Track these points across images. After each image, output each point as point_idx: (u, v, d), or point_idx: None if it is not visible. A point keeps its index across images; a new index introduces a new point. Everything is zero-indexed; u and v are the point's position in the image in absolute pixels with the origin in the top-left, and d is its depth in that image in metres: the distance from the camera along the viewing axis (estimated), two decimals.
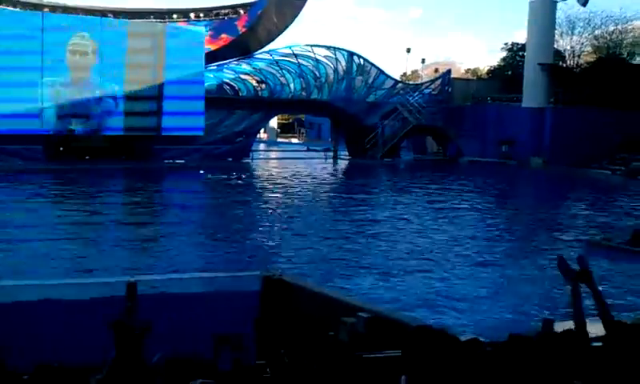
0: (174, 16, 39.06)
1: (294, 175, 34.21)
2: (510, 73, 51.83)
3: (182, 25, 38.82)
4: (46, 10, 35.43)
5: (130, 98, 36.22)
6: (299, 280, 6.62)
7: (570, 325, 3.88)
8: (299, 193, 26.60)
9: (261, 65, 41.31)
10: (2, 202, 20.85)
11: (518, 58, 51.73)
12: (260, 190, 28.85)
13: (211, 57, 38.65)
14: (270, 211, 21.62)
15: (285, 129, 78.14)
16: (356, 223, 18.40)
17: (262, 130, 57.30)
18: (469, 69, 78.08)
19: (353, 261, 13.47)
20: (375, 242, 15.60)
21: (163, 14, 38.87)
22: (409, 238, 16.28)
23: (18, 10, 34.86)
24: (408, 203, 23.38)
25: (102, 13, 37.35)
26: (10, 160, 32.85)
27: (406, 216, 19.79)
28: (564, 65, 49.04)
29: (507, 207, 24.94)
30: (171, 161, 37.15)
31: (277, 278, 6.48)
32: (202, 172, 32.52)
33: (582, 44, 50.84)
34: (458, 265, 13.43)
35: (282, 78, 41.68)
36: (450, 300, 10.84)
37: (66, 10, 36.27)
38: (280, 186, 29.60)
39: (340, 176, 38.08)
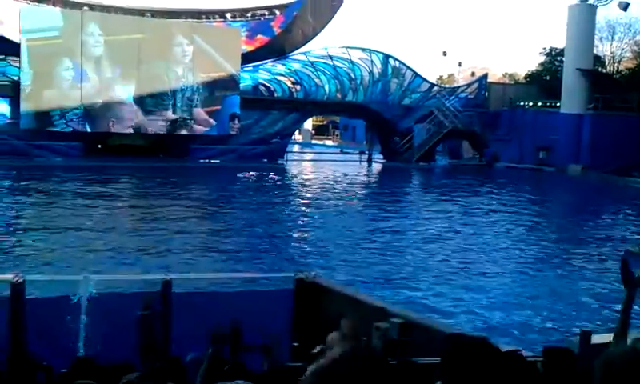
0: (211, 16, 39.32)
1: (328, 177, 34.15)
2: (548, 78, 51.14)
3: (218, 25, 39.10)
4: (85, 8, 35.99)
5: (167, 96, 36.73)
6: (333, 283, 6.59)
7: (608, 337, 3.80)
8: (333, 196, 26.51)
9: (296, 66, 41.44)
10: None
11: (556, 63, 51.01)
12: (294, 192, 28.86)
13: (247, 57, 38.92)
14: (304, 214, 21.63)
15: (319, 130, 78.17)
16: (391, 229, 18.26)
17: (297, 132, 57.39)
18: (506, 73, 77.16)
19: (387, 267, 13.31)
20: (410, 251, 15.33)
21: (200, 14, 39.17)
22: (448, 248, 15.87)
23: (58, 8, 35.46)
24: (446, 211, 22.87)
25: (141, 12, 37.77)
26: (50, 156, 33.62)
27: (444, 225, 19.39)
28: (604, 70, 48.25)
29: (550, 217, 24.21)
30: (207, 160, 37.52)
31: (310, 281, 6.46)
32: (240, 175, 32.64)
33: (623, 49, 50.10)
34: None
35: (316, 80, 41.76)
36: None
37: (104, 8, 36.79)
38: (314, 188, 29.60)
39: (374, 179, 37.87)
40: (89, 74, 34.99)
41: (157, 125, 36.63)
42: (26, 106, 33.68)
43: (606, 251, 16.40)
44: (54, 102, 34.33)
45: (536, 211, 24.83)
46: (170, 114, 36.90)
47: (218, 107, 37.84)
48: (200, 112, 37.58)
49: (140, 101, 36.05)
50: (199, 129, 37.66)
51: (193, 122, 37.46)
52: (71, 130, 34.81)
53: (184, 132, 37.40)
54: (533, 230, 19.94)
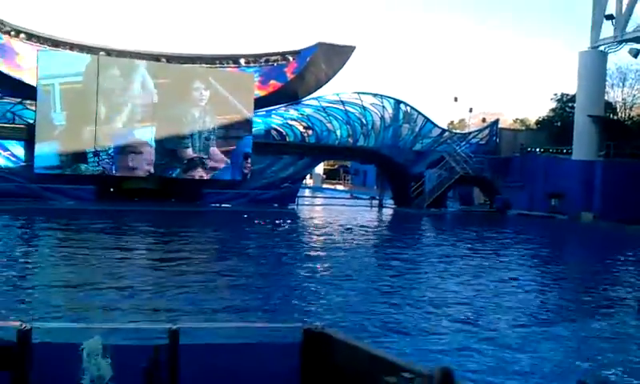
0: (225, 62, 39.85)
1: (339, 223, 34.02)
2: (559, 124, 51.22)
3: (232, 70, 39.61)
4: (101, 53, 36.63)
5: (180, 140, 37.12)
6: (341, 334, 6.47)
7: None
8: (343, 242, 26.37)
9: (308, 111, 41.81)
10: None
11: (567, 109, 51.19)
12: (304, 238, 28.74)
13: (260, 102, 39.31)
14: (314, 260, 21.49)
15: (330, 175, 78.49)
16: (403, 276, 18.07)
17: (308, 176, 57.60)
18: (517, 119, 77.46)
19: (401, 317, 13.05)
20: (424, 300, 14.95)
21: (214, 60, 39.71)
22: (464, 298, 15.48)
23: (74, 52, 36.12)
24: (458, 259, 22.48)
25: (155, 57, 38.36)
26: (62, 199, 33.90)
27: (456, 274, 19.00)
28: (615, 117, 48.26)
29: (569, 272, 23.38)
30: (218, 205, 37.65)
31: (318, 331, 6.35)
32: (256, 221, 32.66)
33: (634, 96, 50.14)
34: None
35: (328, 124, 42.05)
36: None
37: (121, 53, 37.42)
38: (324, 234, 29.49)
39: (385, 225, 37.68)
40: (112, 117, 35.55)
41: (174, 166, 37.00)
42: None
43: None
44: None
45: (559, 265, 24.14)
46: (189, 152, 37.39)
47: (233, 147, 38.28)
48: (216, 151, 38.09)
49: (159, 143, 36.57)
50: (215, 166, 37.93)
51: (209, 160, 37.77)
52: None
53: (200, 170, 37.63)
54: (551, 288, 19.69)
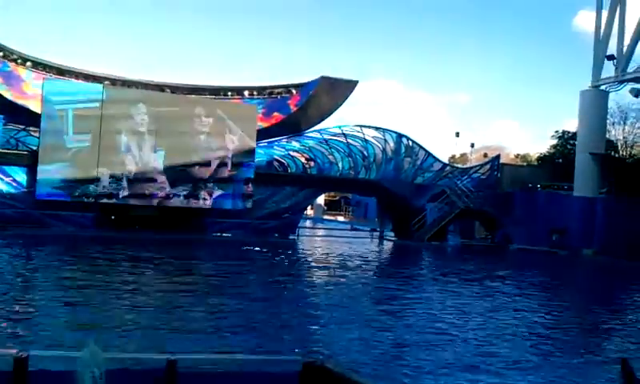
0: (229, 93, 40.14)
1: (340, 254, 33.98)
2: (560, 160, 51.40)
3: (235, 102, 39.87)
4: (106, 82, 36.93)
5: (183, 170, 37.24)
6: (342, 368, 6.42)
7: None
8: (343, 273, 26.29)
9: (310, 143, 42.01)
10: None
11: (569, 146, 51.40)
12: (304, 269, 28.68)
13: (263, 134, 39.51)
14: (313, 292, 21.41)
15: (331, 206, 78.61)
16: (405, 309, 17.95)
17: (309, 207, 57.63)
18: (518, 154, 77.89)
19: (403, 351, 12.91)
20: (427, 334, 14.74)
21: (218, 91, 39.98)
22: (471, 333, 15.24)
23: (80, 81, 36.44)
24: (461, 294, 22.20)
25: (160, 87, 38.66)
26: (62, 226, 33.91)
27: (459, 308, 18.75)
28: (616, 155, 48.42)
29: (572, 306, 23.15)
30: (219, 234, 37.64)
31: (318, 365, 6.31)
32: (255, 248, 32.69)
33: (635, 134, 50.29)
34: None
35: (330, 157, 42.21)
36: None
37: (125, 83, 37.73)
38: (325, 264, 29.44)
39: (386, 257, 37.66)
40: (106, 145, 35.72)
41: (177, 194, 37.26)
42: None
43: None
44: (70, 169, 34.97)
45: (564, 301, 24.02)
46: (193, 180, 37.57)
47: (235, 175, 38.39)
48: (218, 180, 38.14)
49: (167, 171, 36.89)
50: (217, 195, 38.02)
51: (211, 190, 37.86)
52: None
53: (203, 199, 37.64)
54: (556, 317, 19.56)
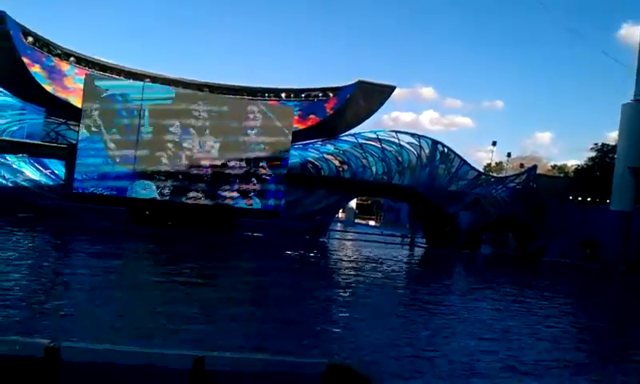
0: (266, 94, 40.39)
1: (371, 259, 33.82)
2: (598, 173, 50.58)
3: (273, 103, 40.09)
4: (147, 80, 37.46)
5: (219, 169, 37.66)
6: (368, 371, 6.43)
7: None
8: (374, 278, 26.15)
9: (345, 146, 42.01)
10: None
11: (607, 160, 50.52)
12: (333, 273, 28.61)
13: (298, 136, 39.65)
14: (342, 296, 21.35)
15: (363, 210, 78.49)
16: (432, 319, 17.71)
17: (341, 210, 57.62)
18: (555, 165, 76.74)
19: (435, 355, 12.72)
20: (454, 343, 14.44)
21: (256, 92, 40.26)
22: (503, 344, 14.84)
23: (122, 78, 37.06)
24: (497, 309, 21.51)
25: (199, 87, 39.05)
26: (97, 220, 34.38)
27: (494, 320, 18.16)
28: None
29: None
30: (250, 234, 37.80)
31: (344, 367, 6.32)
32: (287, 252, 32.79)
33: None
34: None
35: (364, 161, 42.13)
36: None
37: (166, 81, 38.22)
38: (355, 268, 29.34)
39: (418, 264, 37.29)
40: (144, 141, 36.33)
41: (217, 192, 37.96)
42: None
43: None
44: (108, 165, 35.69)
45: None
46: (234, 179, 38.25)
47: (269, 173, 38.85)
48: (255, 179, 38.77)
49: (194, 171, 37.55)
50: (253, 194, 38.55)
51: (254, 182, 38.53)
52: (120, 195, 35.92)
53: (241, 199, 38.35)
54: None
